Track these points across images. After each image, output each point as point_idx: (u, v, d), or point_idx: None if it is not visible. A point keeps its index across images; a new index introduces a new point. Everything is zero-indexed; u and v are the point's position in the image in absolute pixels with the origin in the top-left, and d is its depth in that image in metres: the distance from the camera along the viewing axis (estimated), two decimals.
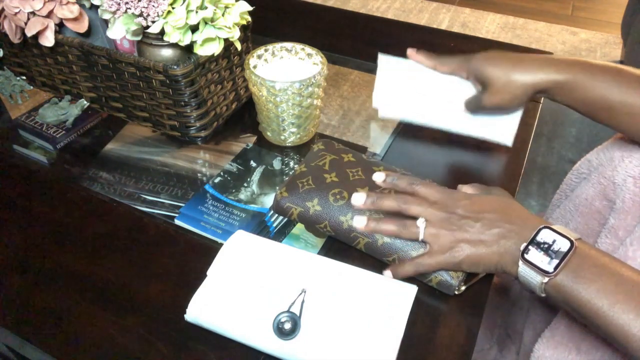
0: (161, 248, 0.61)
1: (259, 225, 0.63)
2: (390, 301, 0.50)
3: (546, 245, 0.47)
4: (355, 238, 0.57)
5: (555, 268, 0.46)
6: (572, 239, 0.46)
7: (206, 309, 0.50)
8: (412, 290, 0.52)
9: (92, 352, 0.51)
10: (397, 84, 0.76)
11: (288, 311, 0.48)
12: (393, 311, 0.49)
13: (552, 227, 0.48)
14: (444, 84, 0.73)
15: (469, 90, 0.71)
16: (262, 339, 0.48)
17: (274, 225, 0.65)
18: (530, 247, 0.47)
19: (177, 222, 0.65)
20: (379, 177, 0.56)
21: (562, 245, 0.46)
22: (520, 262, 0.48)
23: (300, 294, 0.50)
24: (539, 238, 0.47)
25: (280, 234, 0.64)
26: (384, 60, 0.76)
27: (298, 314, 0.48)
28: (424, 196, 0.54)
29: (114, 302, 0.54)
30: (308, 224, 0.59)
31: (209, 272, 0.53)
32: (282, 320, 0.48)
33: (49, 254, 0.61)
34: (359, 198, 0.55)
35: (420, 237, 0.53)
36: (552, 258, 0.46)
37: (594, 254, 0.47)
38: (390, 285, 0.52)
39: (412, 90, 0.76)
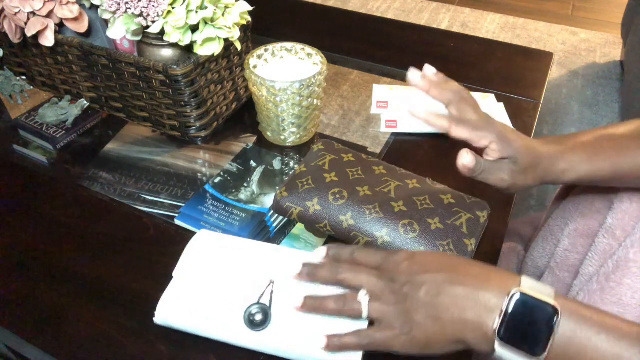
0: (161, 248, 0.61)
1: (259, 225, 0.63)
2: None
3: (522, 318, 0.38)
4: (355, 237, 0.57)
5: (544, 347, 0.37)
6: (552, 303, 0.38)
7: (175, 310, 0.50)
8: None
9: (92, 352, 0.51)
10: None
11: (258, 303, 0.49)
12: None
13: (523, 290, 0.39)
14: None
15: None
16: (234, 333, 0.49)
17: (274, 225, 0.65)
18: (503, 322, 0.38)
19: (177, 222, 0.65)
20: (319, 253, 0.49)
21: (544, 313, 0.38)
22: (497, 344, 0.39)
23: (269, 285, 0.50)
24: (512, 309, 0.38)
25: (280, 234, 0.64)
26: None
27: (268, 305, 0.49)
28: (364, 262, 0.47)
29: (114, 302, 0.54)
30: (308, 224, 0.59)
31: (175, 273, 0.53)
32: (253, 312, 0.48)
33: (49, 254, 0.61)
34: (294, 269, 0.49)
35: (364, 314, 0.45)
36: (536, 335, 0.38)
37: (581, 313, 0.39)
38: None
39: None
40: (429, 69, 0.53)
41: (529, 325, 0.38)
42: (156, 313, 0.50)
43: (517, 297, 0.38)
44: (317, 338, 0.47)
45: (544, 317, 0.38)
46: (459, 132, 0.51)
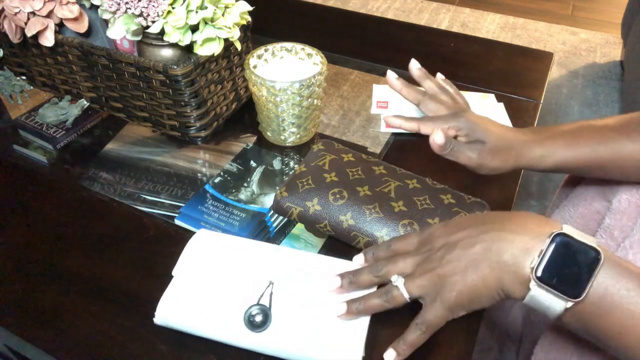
0: (161, 248, 0.61)
1: (259, 225, 0.63)
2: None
3: (564, 260, 0.37)
4: (355, 237, 0.57)
5: (583, 289, 0.36)
6: (596, 247, 0.37)
7: (175, 310, 0.50)
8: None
9: (92, 352, 0.51)
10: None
11: (258, 304, 0.49)
12: (359, 296, 0.49)
13: (566, 232, 0.38)
14: None
15: None
16: (234, 334, 0.49)
17: (274, 225, 0.65)
18: (542, 261, 0.37)
19: (177, 222, 0.65)
20: (358, 261, 0.50)
21: (586, 257, 0.37)
22: (533, 284, 0.38)
23: (268, 286, 0.51)
24: (553, 249, 0.37)
25: (280, 234, 0.64)
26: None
27: (268, 306, 0.49)
28: (402, 250, 0.47)
29: (114, 302, 0.54)
30: (308, 224, 0.59)
31: (174, 272, 0.53)
32: (253, 313, 0.48)
33: (49, 254, 0.61)
34: (333, 283, 0.48)
35: (406, 297, 0.44)
36: (576, 277, 0.37)
37: (623, 265, 0.37)
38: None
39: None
40: (413, 64, 0.60)
41: (569, 266, 0.37)
42: (156, 314, 0.50)
43: (559, 238, 0.38)
44: (316, 339, 0.47)
45: (586, 260, 0.37)
46: (426, 130, 0.60)
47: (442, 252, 0.43)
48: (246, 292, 0.50)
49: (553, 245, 0.38)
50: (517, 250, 0.39)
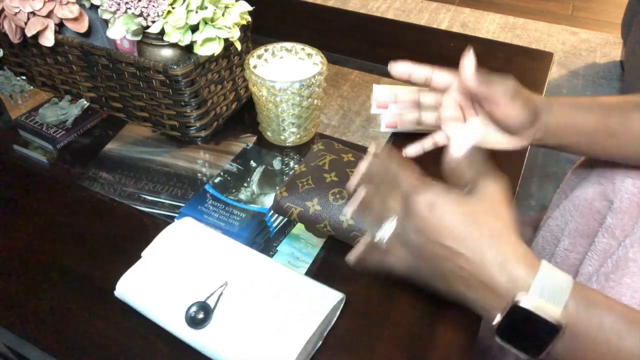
0: None
1: (259, 225, 0.63)
2: (310, 304, 0.50)
3: (522, 328, 0.37)
4: (355, 237, 0.57)
5: (541, 352, 0.37)
6: (555, 323, 0.36)
7: (133, 288, 0.53)
8: (335, 296, 0.52)
9: (92, 352, 0.51)
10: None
11: (202, 301, 0.50)
12: (307, 313, 0.49)
13: (524, 306, 0.36)
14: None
15: None
16: (176, 326, 0.50)
17: (274, 225, 0.65)
18: (502, 323, 0.38)
19: None
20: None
21: (545, 328, 0.36)
22: (497, 339, 0.39)
23: (221, 286, 0.51)
24: (511, 319, 0.37)
25: (280, 234, 0.64)
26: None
27: (213, 305, 0.50)
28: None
29: (114, 302, 0.54)
30: (308, 224, 0.59)
31: (144, 253, 0.55)
32: (194, 309, 0.49)
33: (49, 254, 0.61)
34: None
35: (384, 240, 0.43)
36: (534, 342, 0.37)
37: (593, 323, 0.37)
38: (315, 289, 0.52)
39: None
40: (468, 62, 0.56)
41: (527, 334, 0.37)
42: (117, 287, 0.53)
43: (518, 309, 0.37)
44: (252, 345, 0.48)
45: (545, 330, 0.36)
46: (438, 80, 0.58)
47: (423, 249, 0.41)
48: (200, 287, 0.51)
49: (512, 315, 0.37)
50: (486, 303, 0.39)
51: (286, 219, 0.64)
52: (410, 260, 0.42)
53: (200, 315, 0.49)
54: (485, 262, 0.38)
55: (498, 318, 0.38)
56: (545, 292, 0.37)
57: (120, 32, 0.68)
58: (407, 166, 0.45)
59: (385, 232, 0.42)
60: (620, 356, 0.36)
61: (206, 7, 0.66)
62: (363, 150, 0.76)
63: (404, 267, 0.43)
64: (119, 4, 0.65)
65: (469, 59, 0.55)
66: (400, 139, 0.79)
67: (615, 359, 0.36)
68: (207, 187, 0.68)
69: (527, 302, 0.36)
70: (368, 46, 1.01)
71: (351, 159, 0.63)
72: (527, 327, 0.37)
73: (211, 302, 0.50)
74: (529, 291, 0.37)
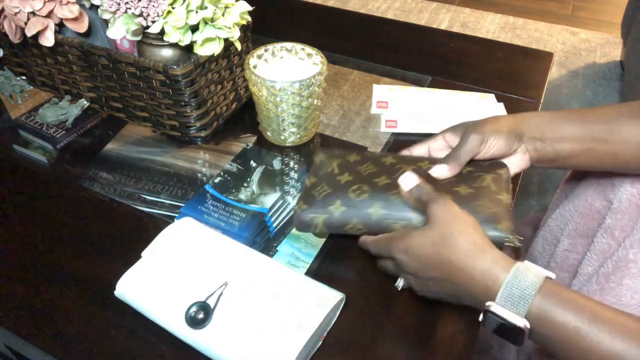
0: None
1: (259, 225, 0.63)
2: (310, 304, 0.50)
3: (497, 327, 0.44)
4: (389, 227, 0.54)
5: (520, 344, 0.43)
6: (520, 325, 0.42)
7: (133, 288, 0.53)
8: (335, 296, 0.52)
9: (92, 352, 0.51)
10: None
11: (202, 301, 0.50)
12: (307, 313, 0.49)
13: (494, 311, 0.43)
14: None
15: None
16: (176, 326, 0.50)
17: (274, 225, 0.65)
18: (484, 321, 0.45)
19: None
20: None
21: (514, 330, 0.43)
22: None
23: (221, 286, 0.51)
24: (487, 321, 0.44)
25: (280, 234, 0.64)
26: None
27: (213, 306, 0.50)
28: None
29: (114, 302, 0.54)
30: (335, 229, 0.56)
31: (144, 253, 0.55)
32: (194, 309, 0.49)
33: (49, 254, 0.61)
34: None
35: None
36: (511, 336, 0.44)
37: (556, 322, 0.42)
38: (315, 289, 0.52)
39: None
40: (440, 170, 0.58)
41: (503, 331, 0.43)
42: (117, 287, 0.53)
43: (488, 315, 0.44)
44: (249, 346, 0.48)
45: (513, 330, 0.43)
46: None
47: (415, 282, 0.51)
48: (200, 287, 0.51)
49: (487, 317, 0.44)
50: (478, 306, 0.46)
51: (286, 219, 0.64)
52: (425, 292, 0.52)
53: (200, 315, 0.49)
54: (463, 278, 0.46)
55: (481, 317, 0.45)
56: (508, 301, 0.42)
57: (120, 32, 0.68)
58: (395, 237, 0.52)
59: (399, 282, 0.54)
60: (582, 355, 0.41)
61: (206, 7, 0.66)
62: (362, 150, 0.76)
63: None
64: (119, 4, 0.65)
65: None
66: (400, 139, 0.79)
67: (580, 355, 0.41)
68: (207, 187, 0.68)
69: (494, 309, 0.43)
70: (368, 46, 1.01)
71: (357, 158, 0.61)
72: (501, 326, 0.43)
73: (211, 302, 0.50)
74: (495, 300, 0.43)
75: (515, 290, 0.42)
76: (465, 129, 0.57)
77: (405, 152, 0.63)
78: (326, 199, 0.56)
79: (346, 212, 0.55)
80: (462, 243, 0.46)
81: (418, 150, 0.62)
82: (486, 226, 0.50)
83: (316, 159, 0.63)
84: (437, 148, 0.61)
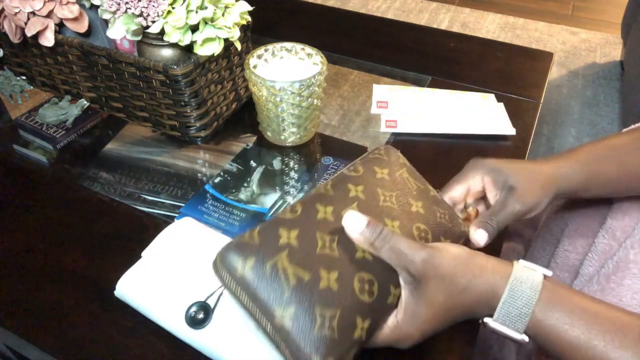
0: None
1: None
2: None
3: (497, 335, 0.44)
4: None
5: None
6: (518, 337, 0.42)
7: (133, 288, 0.53)
8: None
9: (92, 352, 0.51)
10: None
11: (202, 301, 0.50)
12: None
13: (492, 326, 0.42)
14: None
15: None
16: (175, 326, 0.50)
17: None
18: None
19: None
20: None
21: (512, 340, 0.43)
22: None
23: (221, 286, 0.51)
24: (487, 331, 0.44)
25: None
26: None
27: (213, 306, 0.50)
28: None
29: (114, 301, 0.54)
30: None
31: (144, 253, 0.55)
32: (194, 309, 0.49)
33: (49, 254, 0.61)
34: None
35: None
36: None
37: (553, 330, 0.41)
38: None
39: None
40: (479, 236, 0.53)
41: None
42: (117, 287, 0.53)
43: (487, 324, 0.43)
44: (249, 346, 0.48)
45: (514, 339, 0.42)
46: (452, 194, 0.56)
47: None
48: (200, 287, 0.51)
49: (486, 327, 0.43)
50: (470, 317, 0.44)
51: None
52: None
53: (200, 315, 0.49)
54: (466, 308, 0.43)
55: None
56: (506, 319, 0.41)
57: (120, 32, 0.68)
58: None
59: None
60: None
61: (206, 7, 0.66)
62: (363, 150, 0.76)
63: None
64: (119, 4, 0.65)
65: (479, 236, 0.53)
66: (400, 139, 0.79)
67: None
68: (207, 187, 0.68)
69: (493, 325, 0.42)
70: (368, 46, 1.01)
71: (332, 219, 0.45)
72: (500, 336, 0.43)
73: (211, 302, 0.50)
74: (493, 317, 0.42)
75: (513, 310, 0.41)
76: (504, 184, 0.52)
77: (445, 191, 0.56)
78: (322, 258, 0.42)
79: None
80: (455, 288, 0.42)
81: (458, 190, 0.56)
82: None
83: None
84: (477, 191, 0.56)
